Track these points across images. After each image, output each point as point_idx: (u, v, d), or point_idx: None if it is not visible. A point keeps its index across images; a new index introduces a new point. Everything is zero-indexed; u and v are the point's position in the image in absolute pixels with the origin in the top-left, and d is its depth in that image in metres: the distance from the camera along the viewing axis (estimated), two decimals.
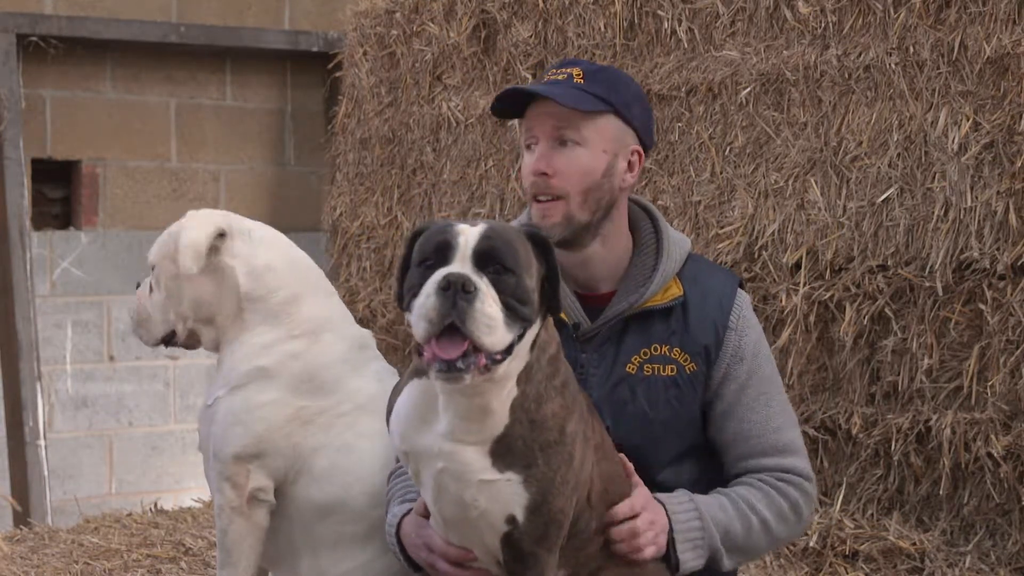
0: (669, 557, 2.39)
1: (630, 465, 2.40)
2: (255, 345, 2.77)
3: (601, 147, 2.49)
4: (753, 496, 2.49)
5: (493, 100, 2.53)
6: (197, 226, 2.79)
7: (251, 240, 2.83)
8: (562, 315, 2.37)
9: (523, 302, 2.09)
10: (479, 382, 2.07)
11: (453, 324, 2.02)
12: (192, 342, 2.91)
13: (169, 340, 2.91)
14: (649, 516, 2.35)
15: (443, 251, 2.09)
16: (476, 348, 2.04)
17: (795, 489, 2.52)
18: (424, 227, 2.19)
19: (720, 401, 2.53)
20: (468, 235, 2.09)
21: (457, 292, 2.02)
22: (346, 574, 2.72)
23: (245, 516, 2.72)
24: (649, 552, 2.34)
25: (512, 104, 2.54)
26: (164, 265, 2.84)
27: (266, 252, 2.82)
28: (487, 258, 2.08)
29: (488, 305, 2.04)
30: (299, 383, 2.74)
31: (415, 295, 2.08)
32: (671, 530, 2.38)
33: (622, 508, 2.33)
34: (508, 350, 2.08)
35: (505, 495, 2.16)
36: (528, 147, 2.51)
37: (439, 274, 2.05)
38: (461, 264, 2.07)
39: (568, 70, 2.49)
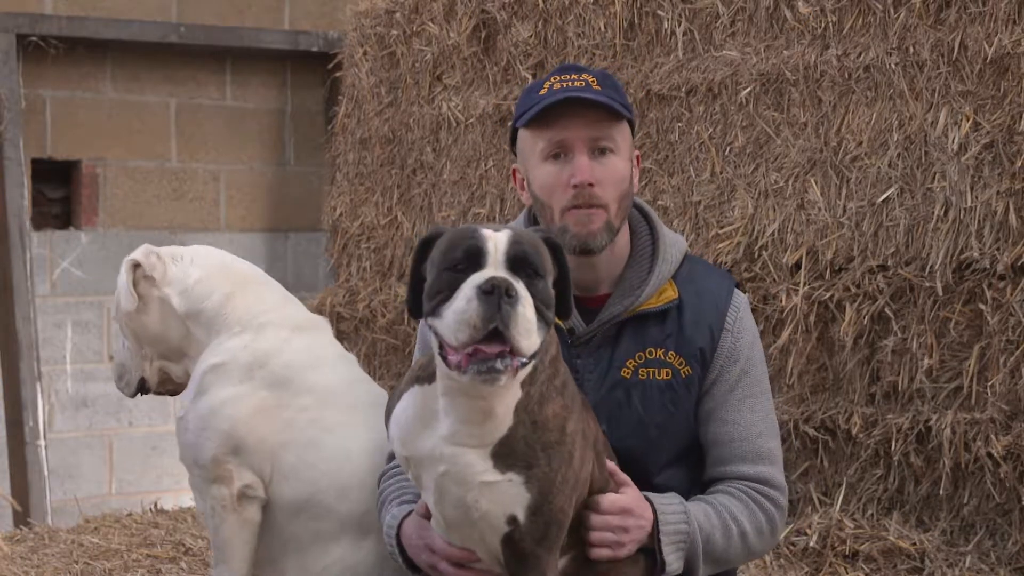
0: (654, 556, 2.38)
1: (617, 470, 2.39)
2: (207, 351, 2.85)
3: (627, 153, 2.50)
4: (735, 507, 2.48)
5: (533, 112, 2.45)
6: (122, 269, 2.92)
7: (183, 262, 2.93)
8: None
9: (549, 306, 2.10)
10: (508, 384, 2.07)
11: (495, 329, 2.01)
12: (168, 384, 3.00)
13: (143, 386, 3.01)
14: (634, 520, 2.34)
15: (475, 256, 2.07)
16: (513, 351, 2.03)
17: (772, 504, 2.52)
18: (436, 234, 2.17)
19: (708, 400, 2.52)
20: (497, 240, 2.08)
21: (501, 296, 2.01)
22: (326, 570, 2.73)
23: (237, 513, 2.74)
24: (626, 551, 2.33)
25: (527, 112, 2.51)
26: (119, 316, 2.96)
27: (196, 269, 2.92)
28: (520, 263, 2.07)
29: (529, 310, 2.04)
30: (253, 370, 2.77)
31: (444, 300, 2.06)
32: (658, 530, 2.37)
33: (609, 498, 2.31)
34: (535, 353, 2.09)
35: (507, 496, 2.16)
36: (554, 157, 2.46)
37: (480, 277, 2.04)
38: (496, 268, 2.06)
39: (582, 76, 2.47)
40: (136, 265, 2.90)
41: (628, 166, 2.50)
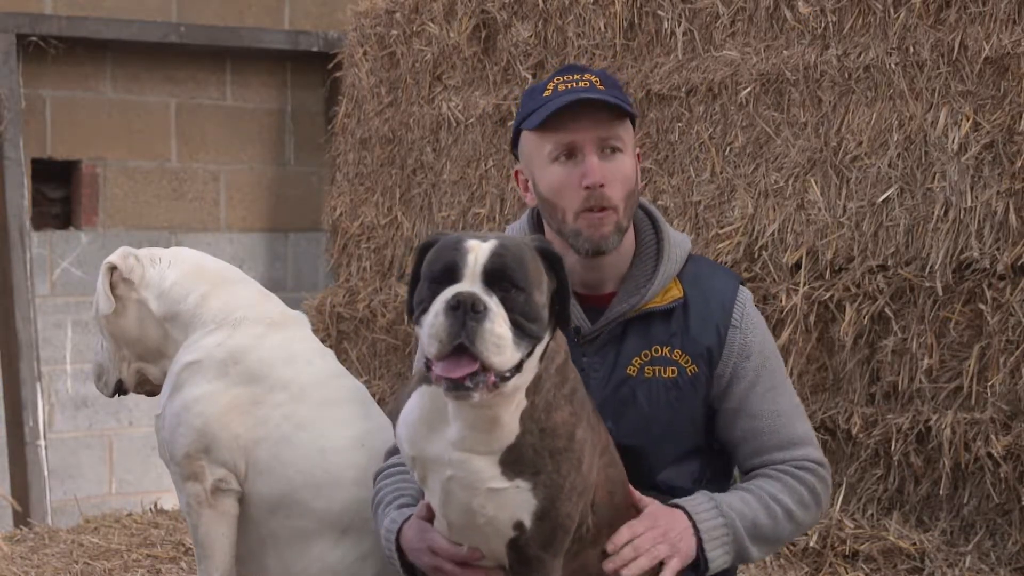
0: (698, 561, 2.38)
1: (636, 493, 2.38)
2: (183, 349, 2.85)
3: (632, 150, 2.50)
4: (773, 487, 2.49)
5: (542, 115, 2.43)
6: (100, 271, 2.93)
7: (160, 264, 2.94)
8: None
9: (532, 319, 2.07)
10: (488, 399, 2.06)
11: (463, 343, 2.01)
12: (146, 385, 3.00)
13: (121, 387, 3.02)
14: (654, 534, 2.33)
15: (452, 268, 2.06)
16: (485, 367, 2.02)
17: (811, 475, 2.52)
18: (433, 240, 2.16)
19: (729, 399, 2.52)
20: (478, 252, 2.06)
21: (467, 312, 2.00)
22: (306, 568, 2.73)
23: (213, 507, 2.73)
24: (674, 564, 2.32)
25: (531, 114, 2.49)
26: (97, 318, 2.97)
27: (173, 271, 2.92)
28: (497, 276, 2.05)
29: (498, 325, 2.01)
30: (227, 367, 2.76)
31: (424, 311, 2.06)
32: (697, 530, 2.37)
33: (622, 535, 2.31)
34: (517, 367, 2.06)
35: (514, 502, 2.15)
36: (563, 158, 2.45)
37: (448, 292, 2.03)
38: (471, 282, 2.04)
39: (585, 76, 2.47)
40: (113, 268, 2.90)
41: (634, 163, 2.50)
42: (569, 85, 2.45)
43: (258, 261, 7.40)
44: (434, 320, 2.02)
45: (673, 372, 2.48)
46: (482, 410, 2.10)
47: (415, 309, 2.11)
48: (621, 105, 2.44)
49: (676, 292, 2.51)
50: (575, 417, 2.20)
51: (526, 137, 2.52)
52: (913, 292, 3.95)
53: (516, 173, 2.59)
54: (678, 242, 2.57)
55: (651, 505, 2.38)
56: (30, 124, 6.80)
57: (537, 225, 2.59)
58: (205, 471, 2.73)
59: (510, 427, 2.13)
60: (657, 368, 2.48)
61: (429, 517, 2.32)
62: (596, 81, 2.46)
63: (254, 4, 7.37)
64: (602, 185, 2.42)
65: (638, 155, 2.56)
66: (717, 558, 2.39)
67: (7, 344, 6.54)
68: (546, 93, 2.46)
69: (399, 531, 2.42)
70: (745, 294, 2.57)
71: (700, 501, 2.42)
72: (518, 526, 2.16)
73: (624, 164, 2.46)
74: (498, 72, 5.39)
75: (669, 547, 2.33)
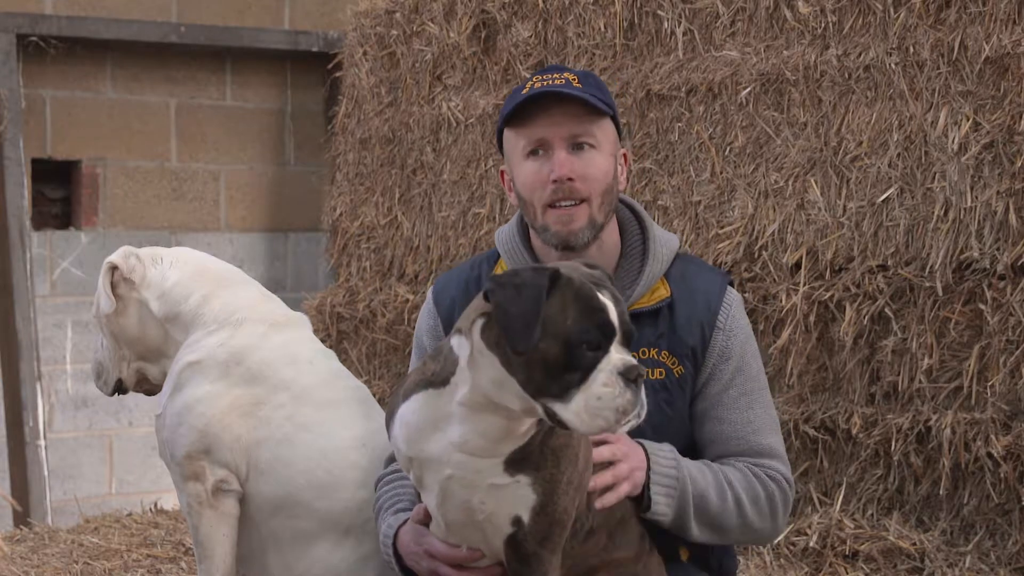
0: (641, 497, 2.37)
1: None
2: (183, 348, 2.85)
3: (609, 150, 2.50)
4: (732, 474, 2.46)
5: (512, 107, 2.47)
6: (101, 271, 2.94)
7: (162, 264, 2.93)
8: None
9: None
10: None
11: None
12: (145, 385, 3.00)
13: (120, 386, 3.01)
14: (625, 448, 2.32)
15: (606, 332, 2.02)
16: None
17: (775, 484, 2.50)
18: (557, 275, 2.04)
19: (702, 399, 2.51)
20: (611, 312, 2.03)
21: (640, 384, 2.01)
22: (308, 569, 2.73)
23: (213, 507, 2.73)
24: (624, 489, 2.31)
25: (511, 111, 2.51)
26: (98, 316, 2.97)
27: (174, 272, 2.92)
28: (631, 338, 2.06)
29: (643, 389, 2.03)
30: (229, 368, 2.76)
31: (580, 381, 1.99)
32: (649, 467, 2.36)
33: (603, 451, 2.31)
34: None
35: (513, 497, 2.15)
36: (533, 153, 2.47)
37: (619, 363, 2.00)
38: (622, 348, 2.03)
39: (563, 75, 2.48)
40: (114, 267, 2.90)
41: (611, 162, 2.50)
42: (546, 83, 2.47)
43: (258, 261, 7.40)
44: (619, 394, 1.99)
45: (660, 374, 2.48)
46: (505, 421, 2.09)
47: (560, 377, 2.01)
48: (592, 101, 2.44)
49: (663, 292, 2.51)
50: None
51: (506, 135, 2.55)
52: (913, 292, 3.95)
53: (502, 173, 2.61)
54: (665, 241, 2.56)
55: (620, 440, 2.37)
56: (30, 124, 6.80)
57: (525, 226, 2.60)
58: (206, 471, 2.72)
59: (526, 435, 2.13)
60: (645, 371, 2.48)
61: (425, 520, 2.32)
62: (574, 79, 2.47)
63: (254, 4, 7.38)
64: (571, 179, 2.43)
65: (624, 155, 2.56)
66: (660, 503, 2.37)
67: (7, 344, 6.54)
68: (524, 91, 2.48)
69: (395, 536, 2.41)
70: (733, 296, 2.55)
71: (663, 449, 2.41)
72: (516, 521, 2.17)
73: (596, 160, 2.46)
74: (498, 72, 5.39)
75: (631, 485, 2.33)
